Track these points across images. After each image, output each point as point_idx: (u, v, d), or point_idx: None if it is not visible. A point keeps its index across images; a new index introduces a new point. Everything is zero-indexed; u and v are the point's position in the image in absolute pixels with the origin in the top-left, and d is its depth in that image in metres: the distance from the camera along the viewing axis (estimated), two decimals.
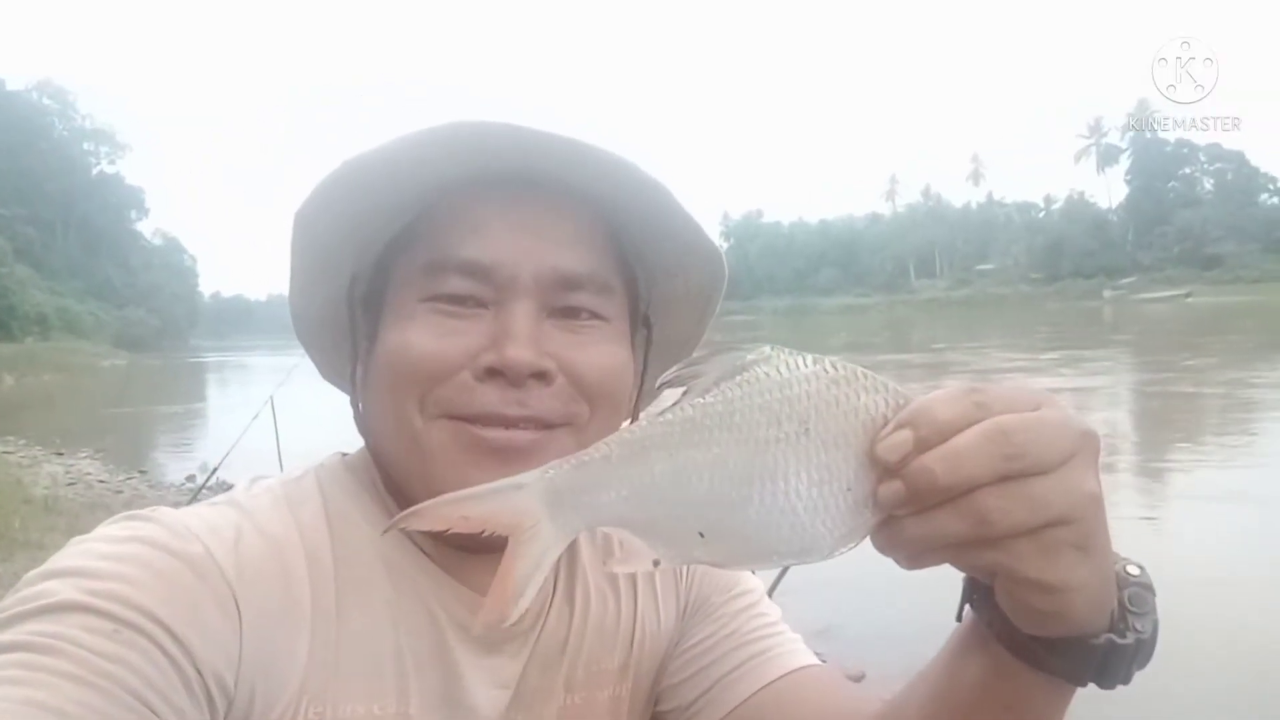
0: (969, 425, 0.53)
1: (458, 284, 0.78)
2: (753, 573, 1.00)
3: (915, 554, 0.56)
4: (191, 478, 11.07)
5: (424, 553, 0.83)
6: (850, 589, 5.37)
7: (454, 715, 0.81)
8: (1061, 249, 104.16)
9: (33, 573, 0.68)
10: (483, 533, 0.56)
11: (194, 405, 25.21)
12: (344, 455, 0.89)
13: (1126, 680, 0.62)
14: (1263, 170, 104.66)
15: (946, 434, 0.53)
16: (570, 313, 0.80)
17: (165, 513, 0.75)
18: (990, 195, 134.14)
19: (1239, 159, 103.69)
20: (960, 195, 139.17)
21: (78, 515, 8.23)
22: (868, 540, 0.57)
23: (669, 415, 0.56)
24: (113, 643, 0.63)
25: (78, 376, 38.74)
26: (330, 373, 0.94)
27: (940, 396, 0.55)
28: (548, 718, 0.87)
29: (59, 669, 0.61)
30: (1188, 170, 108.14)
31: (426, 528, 0.57)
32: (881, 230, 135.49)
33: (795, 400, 0.56)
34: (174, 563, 0.70)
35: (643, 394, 0.90)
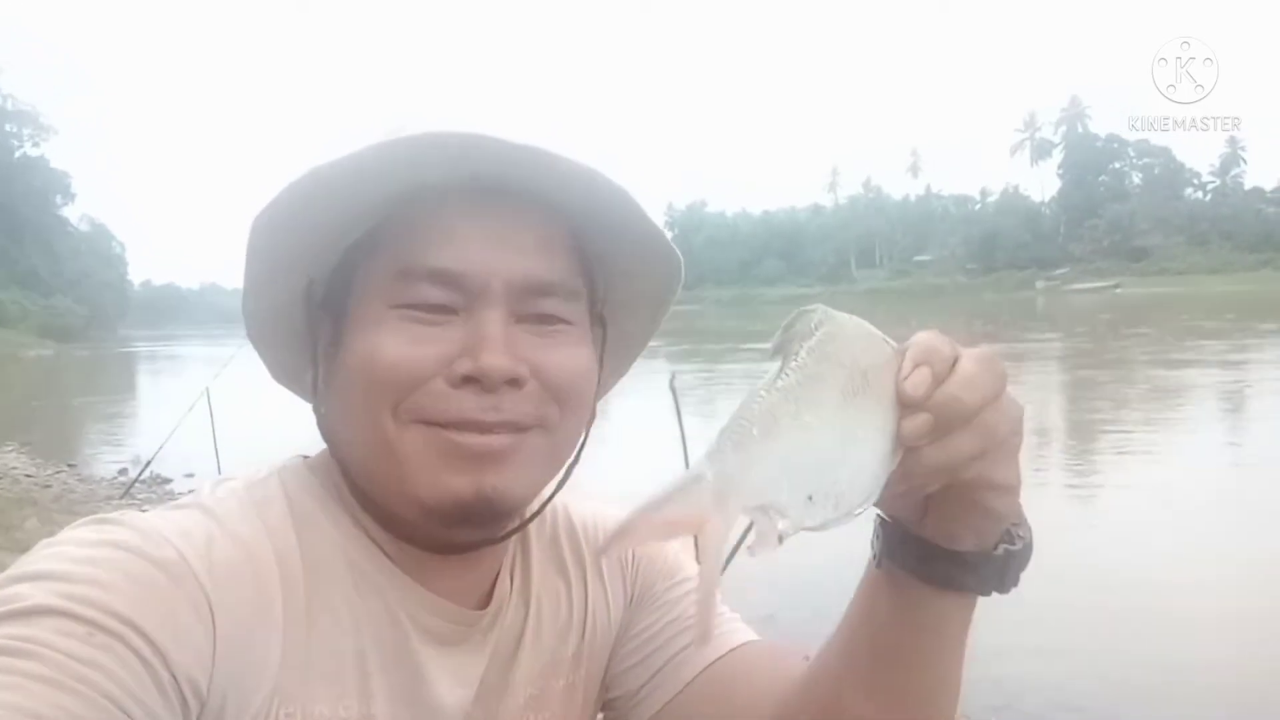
0: (954, 358, 0.62)
1: (429, 292, 0.79)
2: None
3: (925, 481, 0.63)
4: (124, 471, 10.82)
5: (387, 555, 0.84)
6: (792, 579, 5.49)
7: (418, 715, 0.82)
8: (996, 241, 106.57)
9: (1, 576, 0.68)
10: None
11: (124, 397, 24.59)
12: (305, 457, 0.89)
13: (1016, 583, 0.73)
14: (1188, 165, 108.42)
15: (949, 366, 0.61)
16: (539, 318, 0.82)
17: (135, 517, 0.75)
18: (929, 188, 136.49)
19: (1166, 154, 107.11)
20: (900, 187, 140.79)
21: (4, 510, 7.99)
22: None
23: (780, 383, 0.57)
24: (87, 647, 0.63)
25: (1, 367, 37.41)
26: (282, 374, 0.94)
27: (930, 336, 0.63)
28: (507, 710, 0.90)
29: (33, 672, 0.61)
30: (1117, 165, 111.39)
31: (635, 544, 0.60)
32: (824, 221, 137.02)
33: (857, 356, 0.59)
34: (147, 567, 0.70)
35: (599, 391, 0.92)
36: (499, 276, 0.79)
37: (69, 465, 11.92)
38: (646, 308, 0.97)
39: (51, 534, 0.74)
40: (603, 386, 0.93)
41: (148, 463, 9.57)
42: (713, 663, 0.93)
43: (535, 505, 0.90)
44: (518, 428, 0.79)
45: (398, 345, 0.78)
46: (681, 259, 0.90)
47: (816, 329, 0.59)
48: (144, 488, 9.51)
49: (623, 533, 0.58)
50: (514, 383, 0.78)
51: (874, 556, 0.77)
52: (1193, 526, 7.36)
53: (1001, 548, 0.71)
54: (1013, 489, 0.67)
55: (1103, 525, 7.57)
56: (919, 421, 0.60)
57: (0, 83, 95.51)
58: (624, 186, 0.81)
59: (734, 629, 0.98)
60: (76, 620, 0.64)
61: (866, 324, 0.62)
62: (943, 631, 0.76)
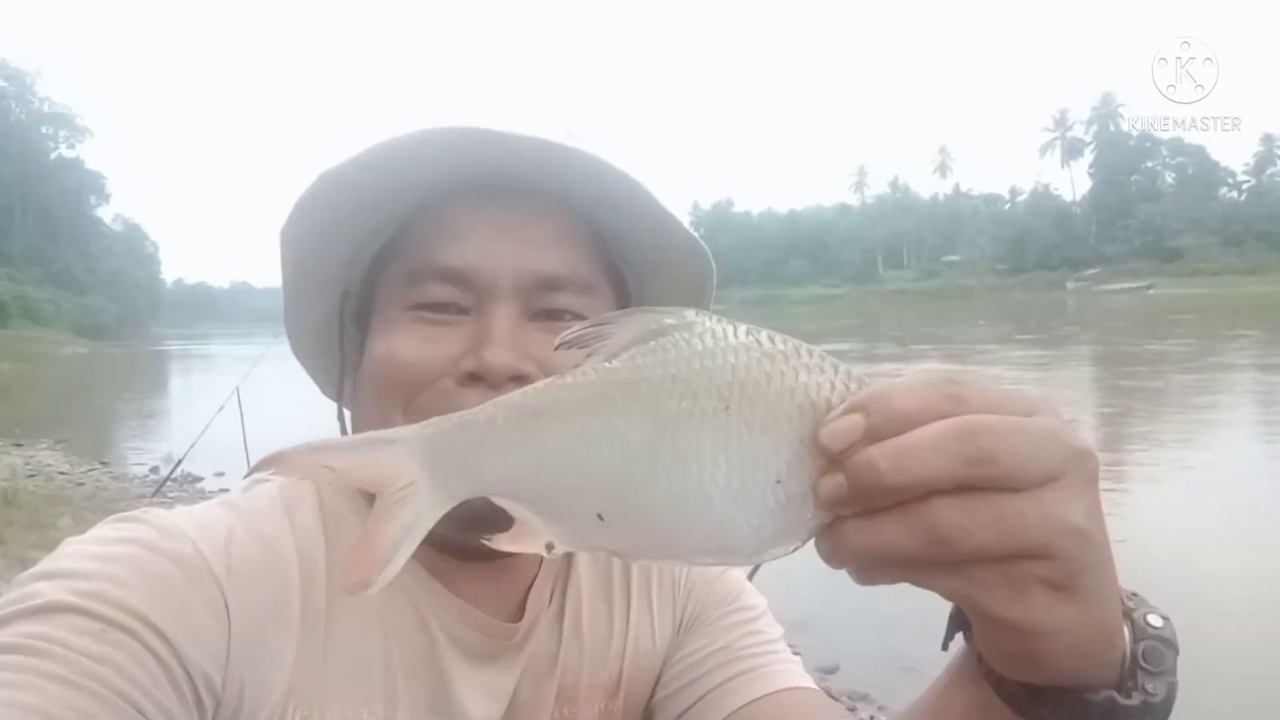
0: (936, 419, 0.45)
1: (437, 291, 0.78)
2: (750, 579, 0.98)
3: (862, 567, 0.48)
4: (155, 469, 10.93)
5: (415, 559, 0.79)
6: (827, 580, 5.39)
7: None
8: (1026, 241, 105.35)
9: (24, 574, 0.68)
10: (357, 489, 0.50)
11: (157, 395, 24.87)
12: None
13: None
14: (1222, 165, 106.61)
15: (906, 425, 0.45)
16: (552, 314, 0.80)
17: (156, 514, 0.75)
18: (957, 187, 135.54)
19: (1200, 153, 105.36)
20: (927, 187, 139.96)
21: (38, 508, 8.06)
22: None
23: (566, 379, 0.50)
24: (100, 643, 0.63)
25: (37, 365, 37.96)
26: (331, 389, 0.93)
27: (906, 382, 0.47)
28: None
29: (46, 670, 0.60)
30: (1150, 164, 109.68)
31: (288, 475, 0.53)
32: (850, 221, 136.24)
33: (716, 373, 0.48)
34: (163, 563, 0.70)
35: None
36: (506, 273, 0.78)
37: (102, 463, 12.04)
38: (684, 303, 0.93)
39: (83, 532, 0.74)
40: None
41: (178, 462, 9.65)
42: (754, 700, 0.87)
43: None
44: None
45: (408, 346, 0.78)
46: (707, 249, 0.88)
47: (659, 335, 0.50)
48: (175, 486, 9.59)
49: (276, 458, 0.52)
50: (520, 379, 0.75)
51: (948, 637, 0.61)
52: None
53: (1105, 694, 0.51)
54: (1031, 634, 0.47)
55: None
56: (833, 483, 0.46)
57: (37, 87, 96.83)
58: (634, 175, 0.78)
59: (786, 670, 0.92)
60: (90, 617, 0.64)
61: (786, 345, 0.50)
62: None
